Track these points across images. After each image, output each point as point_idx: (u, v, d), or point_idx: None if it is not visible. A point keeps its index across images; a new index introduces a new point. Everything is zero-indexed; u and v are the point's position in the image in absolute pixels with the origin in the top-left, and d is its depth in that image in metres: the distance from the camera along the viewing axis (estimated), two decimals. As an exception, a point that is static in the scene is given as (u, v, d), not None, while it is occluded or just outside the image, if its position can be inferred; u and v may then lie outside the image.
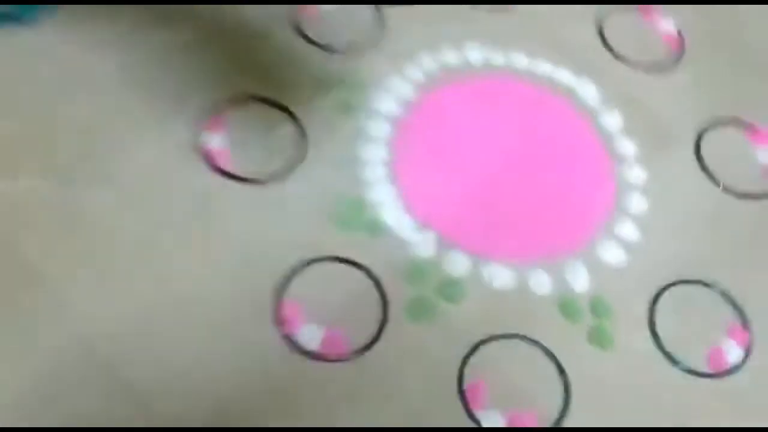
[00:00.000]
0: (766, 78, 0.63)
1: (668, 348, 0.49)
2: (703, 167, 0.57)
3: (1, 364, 0.42)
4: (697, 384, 0.48)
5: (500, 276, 0.50)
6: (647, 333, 0.50)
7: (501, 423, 0.45)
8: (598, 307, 0.50)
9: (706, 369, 0.49)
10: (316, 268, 0.48)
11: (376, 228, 0.51)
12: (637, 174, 0.56)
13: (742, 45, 0.64)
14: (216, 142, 0.52)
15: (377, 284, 0.48)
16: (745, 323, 0.51)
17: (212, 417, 0.43)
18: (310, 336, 0.46)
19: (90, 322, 0.44)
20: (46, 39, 0.54)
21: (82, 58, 0.54)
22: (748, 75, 0.63)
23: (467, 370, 0.46)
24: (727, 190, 0.56)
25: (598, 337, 0.49)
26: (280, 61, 0.56)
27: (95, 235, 0.47)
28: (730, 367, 0.49)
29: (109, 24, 0.55)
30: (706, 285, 0.52)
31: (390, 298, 0.48)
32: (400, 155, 0.54)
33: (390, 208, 0.51)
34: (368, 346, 0.46)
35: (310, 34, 0.58)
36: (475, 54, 0.59)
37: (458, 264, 0.50)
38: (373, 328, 0.47)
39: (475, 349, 0.47)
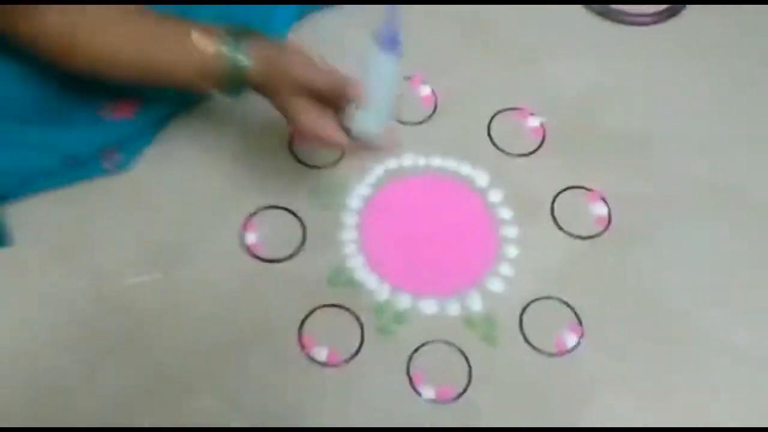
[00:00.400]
0: (602, 154, 0.96)
1: (532, 341, 0.83)
2: (556, 222, 0.90)
3: None
4: (550, 361, 0.82)
5: (428, 306, 0.84)
6: (519, 334, 0.84)
7: (431, 394, 0.79)
8: (488, 320, 0.84)
9: (554, 351, 0.83)
10: (320, 312, 0.82)
11: (352, 284, 0.84)
12: (512, 231, 0.89)
13: (588, 131, 0.97)
14: (251, 237, 0.85)
15: (357, 319, 0.82)
16: (579, 321, 0.85)
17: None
18: (320, 354, 0.80)
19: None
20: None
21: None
22: (591, 152, 0.95)
23: (412, 364, 0.80)
24: (569, 234, 0.90)
25: (489, 339, 0.83)
26: (283, 180, 0.89)
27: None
28: (569, 349, 0.83)
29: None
30: (554, 299, 0.86)
31: (365, 327, 0.82)
32: (365, 235, 0.87)
33: (360, 271, 0.85)
34: (353, 358, 0.80)
35: (300, 156, 0.91)
36: (407, 160, 0.92)
37: (403, 301, 0.84)
38: (355, 346, 0.81)
39: (417, 350, 0.81)
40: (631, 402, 0.80)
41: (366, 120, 0.72)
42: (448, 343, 0.82)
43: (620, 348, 0.83)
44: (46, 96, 0.78)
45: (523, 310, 0.85)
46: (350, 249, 0.86)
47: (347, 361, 0.80)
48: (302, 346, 0.80)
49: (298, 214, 0.88)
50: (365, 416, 0.78)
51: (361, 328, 0.82)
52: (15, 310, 0.80)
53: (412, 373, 0.80)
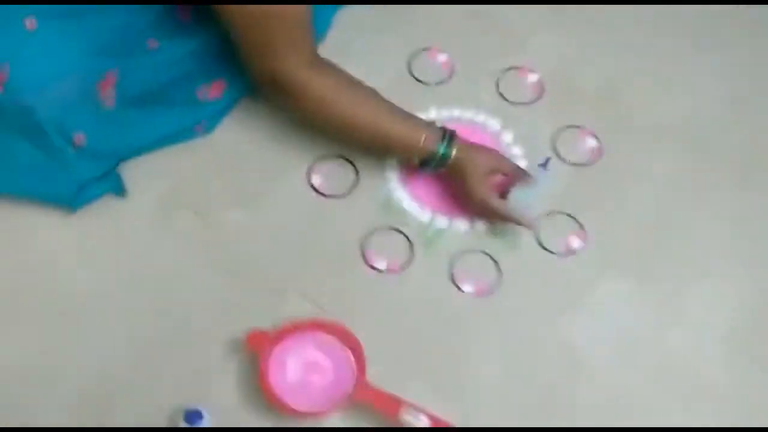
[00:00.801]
0: (590, 100, 1.17)
1: (546, 245, 1.05)
2: (558, 155, 1.12)
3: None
4: (560, 260, 1.04)
5: (461, 224, 1.05)
6: (534, 240, 1.05)
7: (471, 289, 1.00)
8: (509, 231, 1.05)
9: (563, 251, 1.05)
10: (377, 233, 1.04)
11: (399, 211, 1.06)
12: (523, 164, 1.10)
13: (575, 83, 1.19)
14: (316, 179, 1.07)
15: (407, 238, 1.04)
16: (582, 228, 1.06)
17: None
18: (382, 265, 1.01)
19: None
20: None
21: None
22: (580, 99, 1.17)
23: (453, 268, 1.02)
24: (570, 163, 1.11)
25: (512, 245, 1.04)
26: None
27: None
28: (575, 250, 1.05)
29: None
30: (561, 213, 1.07)
31: (414, 242, 1.03)
32: (406, 172, 1.08)
33: (405, 201, 1.06)
34: (407, 266, 1.02)
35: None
36: (432, 113, 1.13)
37: (441, 222, 1.05)
38: (407, 257, 1.02)
39: (456, 257, 1.03)
40: (628, 285, 1.02)
41: (524, 199, 0.99)
42: (480, 251, 1.03)
43: (618, 249, 1.04)
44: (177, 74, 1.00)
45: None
46: (394, 184, 1.08)
47: (403, 268, 1.02)
48: (366, 260, 1.02)
49: (351, 160, 1.09)
50: (421, 310, 0.98)
51: (411, 244, 1.03)
52: (136, 245, 1.01)
53: (454, 275, 1.02)
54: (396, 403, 0.86)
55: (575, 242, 1.06)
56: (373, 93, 0.98)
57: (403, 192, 1.08)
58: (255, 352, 0.88)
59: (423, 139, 0.97)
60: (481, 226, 1.06)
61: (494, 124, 1.14)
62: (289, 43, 0.91)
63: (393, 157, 1.07)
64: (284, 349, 0.89)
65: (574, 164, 1.11)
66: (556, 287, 1.02)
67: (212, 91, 1.06)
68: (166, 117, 1.03)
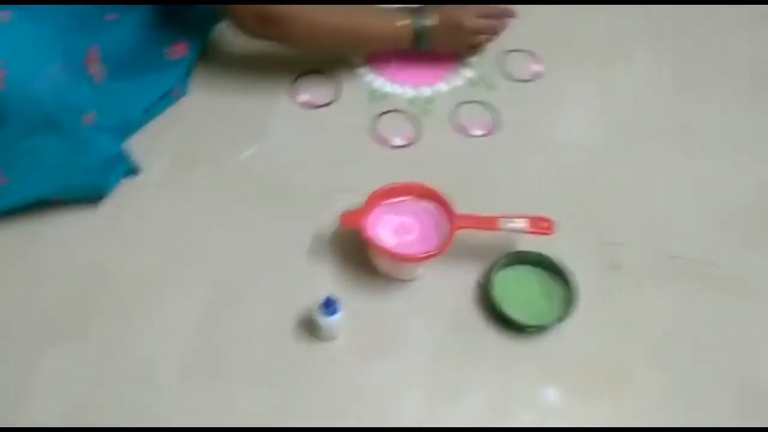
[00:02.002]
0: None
1: (515, 77, 1.17)
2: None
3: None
4: (528, 85, 1.17)
5: (442, 88, 1.15)
6: (505, 79, 1.17)
7: (479, 132, 1.11)
8: (483, 79, 1.17)
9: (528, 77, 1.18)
10: (380, 118, 1.11)
11: (386, 95, 1.14)
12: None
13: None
14: (302, 97, 1.12)
15: (404, 112, 1.12)
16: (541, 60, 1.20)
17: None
18: (397, 141, 1.09)
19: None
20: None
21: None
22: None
23: (456, 119, 1.11)
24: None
25: (490, 86, 1.16)
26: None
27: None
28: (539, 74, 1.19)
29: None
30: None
31: (413, 115, 1.12)
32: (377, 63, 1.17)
33: (387, 86, 1.15)
34: (417, 137, 1.10)
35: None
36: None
37: (425, 91, 1.15)
38: (415, 129, 1.10)
39: (455, 113, 1.12)
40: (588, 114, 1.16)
41: None
42: (470, 101, 1.14)
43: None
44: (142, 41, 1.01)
45: (500, 60, 1.19)
46: (371, 77, 1.16)
47: (416, 138, 1.10)
48: (382, 140, 1.09)
49: (321, 70, 1.15)
50: (446, 164, 1.06)
51: (412, 117, 1.12)
52: (171, 212, 1.01)
53: (460, 126, 1.11)
54: (492, 218, 0.94)
55: (537, 68, 1.19)
56: (343, 5, 1.06)
57: (382, 80, 1.16)
58: (352, 227, 0.92)
59: (403, 27, 1.08)
60: (459, 81, 1.17)
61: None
62: None
63: (379, 48, 1.15)
64: (370, 224, 0.93)
65: None
66: (537, 103, 1.15)
67: (177, 51, 1.08)
68: (148, 83, 1.04)
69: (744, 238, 1.02)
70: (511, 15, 1.15)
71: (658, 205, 1.06)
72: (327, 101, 1.13)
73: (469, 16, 1.11)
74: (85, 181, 0.95)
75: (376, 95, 1.14)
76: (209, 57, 1.15)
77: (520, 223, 0.94)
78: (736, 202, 1.06)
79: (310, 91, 1.13)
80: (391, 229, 0.95)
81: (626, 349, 0.93)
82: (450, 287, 0.96)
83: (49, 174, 0.93)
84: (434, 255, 0.92)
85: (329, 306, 0.87)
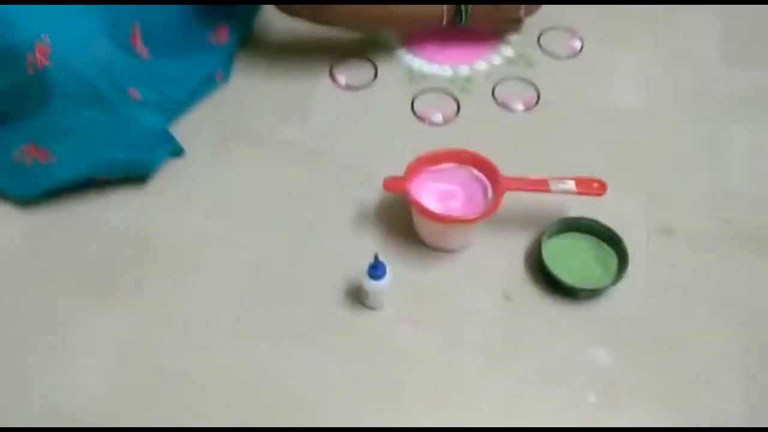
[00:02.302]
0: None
1: (557, 55, 1.17)
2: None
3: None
4: (570, 62, 1.16)
5: (480, 66, 1.15)
6: (545, 55, 1.17)
7: (521, 107, 1.10)
8: (522, 56, 1.16)
9: (569, 54, 1.17)
10: (418, 98, 1.10)
11: (424, 75, 1.14)
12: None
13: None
14: (342, 79, 1.13)
15: (444, 90, 1.12)
16: (580, 38, 1.20)
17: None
18: (437, 117, 1.08)
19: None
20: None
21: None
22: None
23: (496, 95, 1.11)
24: None
25: (529, 64, 1.16)
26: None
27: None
28: (579, 50, 1.18)
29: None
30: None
31: (454, 93, 1.11)
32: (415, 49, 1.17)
33: (425, 66, 1.15)
34: (457, 114, 1.09)
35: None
36: None
37: (463, 70, 1.15)
38: (456, 106, 1.10)
39: (495, 89, 1.12)
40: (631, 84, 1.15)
41: None
42: (509, 77, 1.13)
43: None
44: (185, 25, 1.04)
45: (539, 38, 1.18)
46: (410, 58, 1.16)
47: (455, 117, 1.09)
48: (422, 118, 1.08)
49: (374, 61, 1.16)
50: (489, 138, 1.04)
51: (452, 95, 1.11)
52: (225, 189, 1.01)
53: (500, 102, 1.11)
54: (541, 180, 0.93)
55: (576, 44, 1.18)
56: None
57: (420, 60, 1.16)
58: (395, 192, 0.92)
59: (443, 8, 1.09)
60: (497, 59, 1.16)
61: None
62: None
63: (417, 27, 1.15)
64: (413, 191, 0.92)
65: None
66: (578, 78, 1.14)
67: (220, 36, 1.09)
68: (191, 65, 1.05)
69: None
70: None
71: (708, 170, 1.03)
72: (367, 82, 1.13)
73: None
74: (131, 157, 0.96)
75: (414, 76, 1.14)
76: (252, 44, 1.16)
77: (570, 184, 0.92)
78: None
79: (350, 74, 1.14)
80: (435, 197, 0.94)
81: (679, 312, 0.90)
82: (499, 256, 0.95)
83: (95, 151, 0.94)
84: (481, 218, 0.90)
85: (377, 268, 0.86)
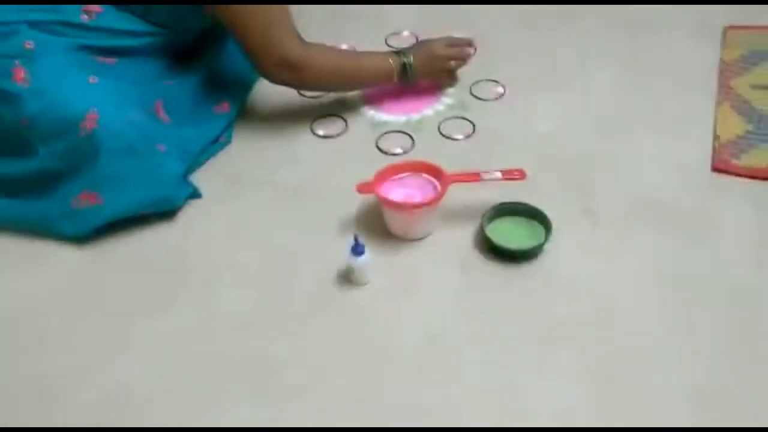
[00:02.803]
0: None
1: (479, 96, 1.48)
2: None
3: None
4: (496, 103, 1.48)
5: (427, 112, 1.46)
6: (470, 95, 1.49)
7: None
8: (461, 104, 1.48)
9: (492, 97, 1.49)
10: (382, 139, 1.41)
11: (385, 124, 1.44)
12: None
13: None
14: (320, 131, 1.43)
15: (403, 132, 1.42)
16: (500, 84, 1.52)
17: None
18: (398, 151, 1.38)
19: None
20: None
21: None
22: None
23: (443, 132, 1.41)
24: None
25: (464, 108, 1.47)
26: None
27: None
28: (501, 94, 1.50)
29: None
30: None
31: (408, 134, 1.42)
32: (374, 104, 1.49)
33: (384, 116, 1.46)
34: (411, 148, 1.39)
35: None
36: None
37: (414, 116, 1.46)
38: (410, 143, 1.40)
39: (440, 127, 1.42)
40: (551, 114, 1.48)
41: None
42: (451, 117, 1.45)
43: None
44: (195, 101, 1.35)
45: (471, 88, 1.51)
46: (372, 112, 1.48)
47: (411, 148, 1.39)
48: (385, 151, 1.38)
49: (334, 113, 1.47)
50: (434, 155, 1.34)
51: (407, 134, 1.42)
52: (239, 223, 1.29)
53: (445, 133, 1.41)
54: (476, 173, 1.21)
55: (500, 90, 1.51)
56: (341, 48, 1.39)
57: (380, 113, 1.47)
58: (366, 193, 1.20)
59: (392, 64, 1.40)
60: (441, 106, 1.48)
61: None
62: (287, 31, 1.30)
63: (375, 85, 1.47)
64: (381, 192, 1.20)
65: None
66: (505, 113, 1.45)
67: (222, 108, 1.41)
68: (202, 128, 1.36)
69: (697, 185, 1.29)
70: (471, 44, 1.48)
71: (621, 169, 1.33)
72: (340, 132, 1.43)
73: (440, 45, 1.44)
74: (161, 194, 1.24)
75: (377, 124, 1.45)
76: (247, 112, 1.48)
77: (496, 174, 1.21)
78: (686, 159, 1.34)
79: (326, 127, 1.45)
80: (399, 200, 1.22)
81: (596, 268, 1.17)
82: (454, 238, 1.22)
83: (134, 191, 1.22)
84: (433, 203, 1.18)
85: (357, 246, 1.12)
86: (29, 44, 1.21)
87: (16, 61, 1.20)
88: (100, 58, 1.26)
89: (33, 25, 1.22)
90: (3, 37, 1.21)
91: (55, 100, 1.18)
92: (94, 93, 1.19)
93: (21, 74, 1.19)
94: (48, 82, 1.19)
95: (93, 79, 1.21)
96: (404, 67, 1.40)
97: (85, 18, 1.25)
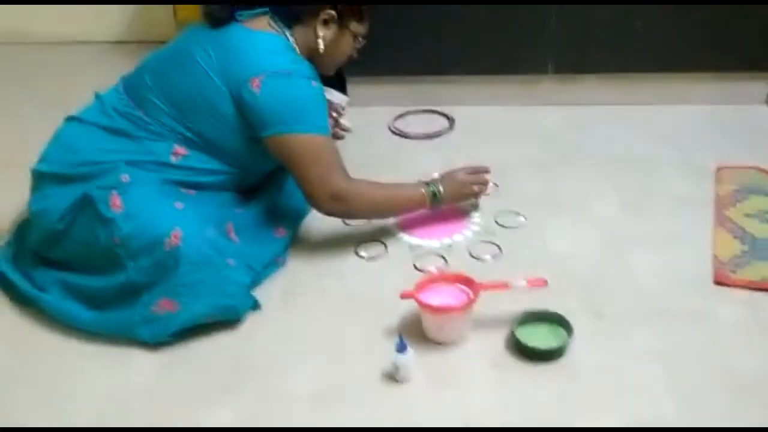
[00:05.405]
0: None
1: (501, 223, 1.69)
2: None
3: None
4: (518, 231, 1.69)
5: (457, 237, 1.67)
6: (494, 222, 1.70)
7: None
8: (489, 229, 1.69)
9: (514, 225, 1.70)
10: (418, 259, 1.60)
11: (419, 247, 1.65)
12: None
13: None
14: (363, 253, 1.63)
15: (437, 254, 1.62)
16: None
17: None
18: (434, 269, 1.57)
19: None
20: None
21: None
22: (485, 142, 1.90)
23: (473, 254, 1.61)
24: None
25: (490, 234, 1.67)
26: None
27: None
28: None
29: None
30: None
31: (441, 255, 1.61)
32: (409, 230, 1.70)
33: (417, 241, 1.66)
34: (445, 268, 1.59)
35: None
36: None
37: (445, 241, 1.66)
38: (444, 264, 1.60)
39: (471, 249, 1.62)
40: (565, 236, 1.69)
41: None
42: (480, 241, 1.65)
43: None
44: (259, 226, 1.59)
45: (496, 219, 1.72)
46: (406, 237, 1.68)
47: (445, 269, 1.58)
48: (421, 269, 1.57)
49: (375, 238, 1.68)
50: (467, 271, 1.53)
51: (440, 255, 1.62)
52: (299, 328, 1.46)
53: (474, 255, 1.61)
54: (503, 282, 1.39)
55: (521, 219, 1.72)
56: (379, 182, 1.62)
57: (415, 238, 1.68)
58: (408, 298, 1.37)
59: (423, 193, 1.62)
60: (468, 233, 1.68)
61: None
62: (334, 167, 1.54)
63: (410, 211, 1.67)
64: (422, 297, 1.38)
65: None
66: (526, 237, 1.66)
67: (280, 232, 1.63)
68: (264, 250, 1.57)
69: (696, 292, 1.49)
70: (488, 170, 1.70)
71: (627, 276, 1.52)
72: (381, 255, 1.63)
73: (463, 173, 1.66)
74: (229, 303, 1.42)
75: (412, 248, 1.65)
76: (300, 239, 1.69)
77: (522, 282, 1.39)
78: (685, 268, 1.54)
79: (369, 250, 1.65)
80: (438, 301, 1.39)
81: (615, 361, 1.33)
82: (487, 340, 1.38)
83: (207, 298, 1.40)
84: (465, 308, 1.36)
85: (401, 344, 1.29)
86: (125, 177, 1.45)
87: (113, 191, 1.42)
88: (183, 189, 1.49)
89: (130, 163, 1.47)
90: (104, 172, 1.45)
91: (145, 221, 1.40)
92: (179, 215, 1.41)
93: (117, 201, 1.42)
94: (139, 207, 1.41)
95: (179, 205, 1.44)
96: (434, 195, 1.62)
97: (173, 159, 1.51)
